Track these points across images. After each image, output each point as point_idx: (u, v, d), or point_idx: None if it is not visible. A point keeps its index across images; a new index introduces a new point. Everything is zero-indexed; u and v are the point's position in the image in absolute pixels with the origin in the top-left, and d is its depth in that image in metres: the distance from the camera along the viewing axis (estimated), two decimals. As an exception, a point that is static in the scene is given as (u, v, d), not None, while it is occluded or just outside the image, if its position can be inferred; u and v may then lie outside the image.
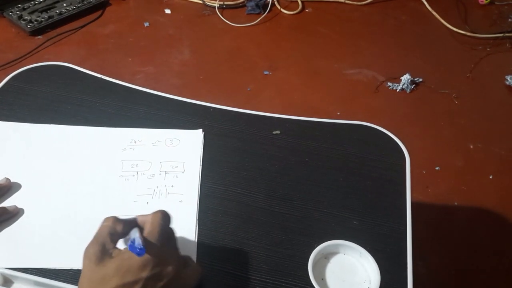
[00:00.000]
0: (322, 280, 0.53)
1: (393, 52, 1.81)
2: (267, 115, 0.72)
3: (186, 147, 0.67)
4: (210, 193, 0.61)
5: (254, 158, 0.66)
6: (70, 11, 1.81)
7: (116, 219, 0.46)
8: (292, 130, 0.71)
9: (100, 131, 0.68)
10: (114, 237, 0.45)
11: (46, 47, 1.68)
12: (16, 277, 0.52)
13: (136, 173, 0.63)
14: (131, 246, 0.43)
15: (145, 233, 0.46)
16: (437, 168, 1.35)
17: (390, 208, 0.61)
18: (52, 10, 1.80)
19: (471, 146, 1.44)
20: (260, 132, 0.70)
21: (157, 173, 0.63)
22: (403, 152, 0.68)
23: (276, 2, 2.01)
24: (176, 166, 0.64)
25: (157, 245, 0.45)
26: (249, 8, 1.96)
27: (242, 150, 0.67)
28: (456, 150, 1.42)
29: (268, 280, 0.53)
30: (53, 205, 0.58)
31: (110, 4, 1.94)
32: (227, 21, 1.89)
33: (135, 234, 0.45)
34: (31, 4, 1.81)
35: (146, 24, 1.85)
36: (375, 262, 0.53)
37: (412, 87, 1.63)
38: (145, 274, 0.43)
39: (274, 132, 0.70)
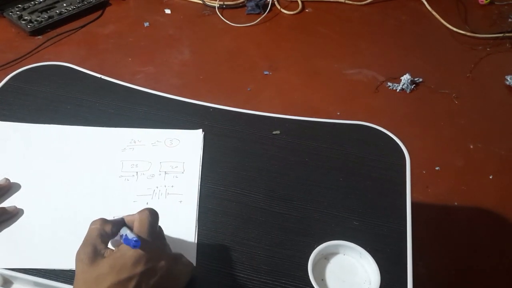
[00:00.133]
0: (322, 281, 0.53)
1: (393, 52, 1.81)
2: (267, 115, 0.72)
3: (186, 147, 0.67)
4: (210, 194, 0.61)
5: (254, 158, 0.66)
6: (70, 11, 1.81)
7: (104, 221, 0.46)
8: (292, 130, 0.70)
9: (100, 131, 0.68)
10: (104, 238, 0.46)
11: (46, 47, 1.68)
12: (16, 278, 0.52)
13: (135, 173, 0.63)
14: (126, 239, 0.43)
15: (135, 231, 0.46)
16: (437, 168, 1.35)
17: (390, 208, 0.61)
18: (52, 10, 1.80)
19: (471, 146, 1.44)
20: (260, 132, 0.70)
21: (157, 173, 0.63)
22: (403, 152, 0.68)
23: (276, 2, 2.01)
24: (176, 166, 0.64)
25: (149, 240, 0.45)
26: (249, 8, 1.96)
27: (242, 150, 0.67)
28: (456, 150, 1.42)
29: (267, 281, 0.53)
30: (53, 205, 0.58)
31: (110, 4, 1.94)
32: (227, 21, 1.89)
33: (125, 231, 0.45)
34: (31, 4, 1.81)
35: (146, 24, 1.85)
36: (375, 263, 0.53)
37: (412, 87, 1.63)
38: (139, 269, 0.43)
39: (274, 132, 0.70)
